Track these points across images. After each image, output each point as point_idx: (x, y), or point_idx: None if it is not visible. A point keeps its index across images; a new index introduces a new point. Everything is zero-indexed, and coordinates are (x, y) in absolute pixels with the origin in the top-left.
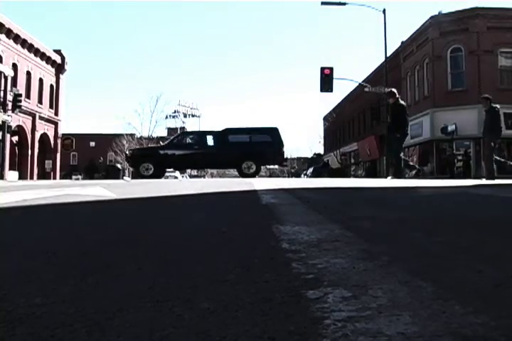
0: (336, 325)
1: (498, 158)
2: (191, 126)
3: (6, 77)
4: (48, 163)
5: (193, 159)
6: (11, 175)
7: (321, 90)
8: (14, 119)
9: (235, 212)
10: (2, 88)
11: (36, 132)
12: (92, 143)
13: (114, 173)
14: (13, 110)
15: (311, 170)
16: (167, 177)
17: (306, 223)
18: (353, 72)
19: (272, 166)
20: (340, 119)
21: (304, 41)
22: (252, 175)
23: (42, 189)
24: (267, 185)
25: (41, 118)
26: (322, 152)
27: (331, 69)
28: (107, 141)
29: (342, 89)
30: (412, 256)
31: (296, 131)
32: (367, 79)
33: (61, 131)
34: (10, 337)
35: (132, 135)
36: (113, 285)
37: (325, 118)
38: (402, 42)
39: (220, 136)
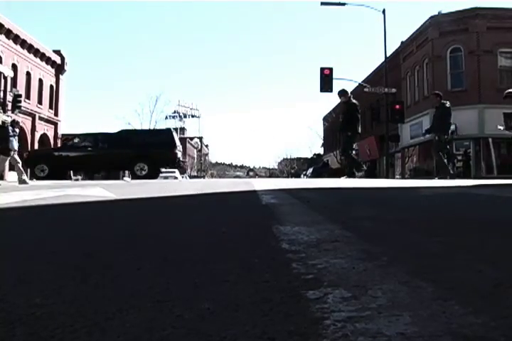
0: (336, 325)
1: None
2: (191, 126)
3: (5, 78)
4: None
5: (86, 161)
6: (11, 176)
7: (321, 90)
8: None
9: (235, 212)
10: (2, 88)
11: (36, 132)
12: None
13: (113, 174)
14: (12, 111)
15: (310, 170)
16: (167, 178)
17: (306, 223)
18: (352, 72)
19: (169, 168)
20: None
21: (303, 40)
22: (146, 177)
23: (42, 189)
24: (266, 185)
25: (41, 118)
26: (322, 152)
27: (331, 69)
28: None
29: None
30: (411, 256)
31: (296, 132)
32: (367, 80)
33: (61, 131)
34: (10, 338)
35: None
36: (113, 286)
37: (325, 119)
38: (402, 43)
39: (114, 137)
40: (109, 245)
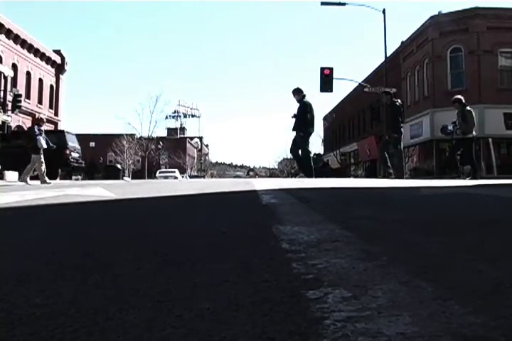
0: (336, 325)
1: (386, 154)
2: (191, 126)
3: (5, 78)
4: None
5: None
6: (11, 176)
7: (321, 90)
8: (14, 120)
9: (235, 212)
10: (2, 88)
11: None
12: (92, 144)
13: (114, 173)
14: (12, 110)
15: None
16: (167, 178)
17: (306, 223)
18: (352, 72)
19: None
20: (340, 119)
21: (303, 41)
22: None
23: (42, 189)
24: (266, 185)
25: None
26: (322, 152)
27: (331, 69)
28: (107, 141)
29: (342, 90)
30: (411, 256)
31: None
32: (367, 79)
33: None
34: (10, 338)
35: (132, 135)
36: (113, 286)
37: (325, 119)
38: (402, 42)
39: (17, 136)
40: (109, 245)
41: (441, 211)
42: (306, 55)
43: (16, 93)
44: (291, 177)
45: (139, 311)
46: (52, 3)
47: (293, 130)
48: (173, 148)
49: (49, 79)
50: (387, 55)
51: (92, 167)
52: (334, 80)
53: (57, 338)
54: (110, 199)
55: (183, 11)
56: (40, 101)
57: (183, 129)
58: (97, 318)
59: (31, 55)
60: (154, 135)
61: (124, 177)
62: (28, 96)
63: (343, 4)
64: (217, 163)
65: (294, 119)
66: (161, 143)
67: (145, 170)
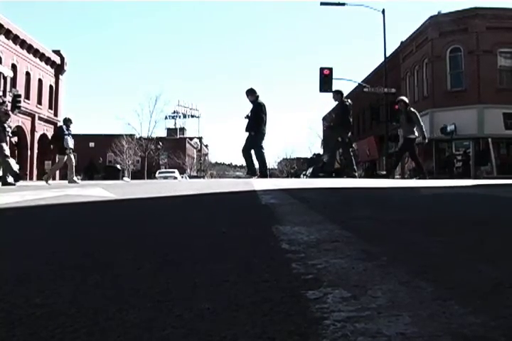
0: (336, 325)
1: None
2: (191, 126)
3: (5, 78)
4: (48, 164)
5: None
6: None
7: (321, 90)
8: (13, 120)
9: (235, 212)
10: (1, 89)
11: (36, 133)
12: (92, 144)
13: (113, 174)
14: (12, 111)
15: (310, 170)
16: (166, 178)
17: (306, 223)
18: (352, 72)
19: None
20: (245, 118)
21: (303, 40)
22: None
23: (42, 190)
24: (266, 185)
25: (40, 118)
26: (321, 152)
27: (331, 69)
28: (107, 141)
29: (341, 90)
30: (411, 256)
31: (296, 132)
32: (366, 80)
33: None
34: (10, 338)
35: (132, 135)
36: (113, 286)
37: (324, 119)
38: (402, 43)
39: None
40: (109, 245)
41: (441, 211)
42: (305, 55)
43: (16, 93)
44: (291, 177)
45: (139, 311)
46: (52, 3)
47: (246, 131)
48: (172, 149)
49: (48, 80)
50: (387, 55)
51: (91, 167)
52: (334, 80)
53: (57, 338)
54: (110, 200)
55: (183, 11)
56: (39, 102)
57: (182, 129)
58: (97, 318)
59: (31, 56)
60: (154, 135)
61: (124, 178)
62: (27, 97)
63: (343, 4)
64: (216, 163)
65: (247, 120)
66: (160, 143)
67: (144, 171)
